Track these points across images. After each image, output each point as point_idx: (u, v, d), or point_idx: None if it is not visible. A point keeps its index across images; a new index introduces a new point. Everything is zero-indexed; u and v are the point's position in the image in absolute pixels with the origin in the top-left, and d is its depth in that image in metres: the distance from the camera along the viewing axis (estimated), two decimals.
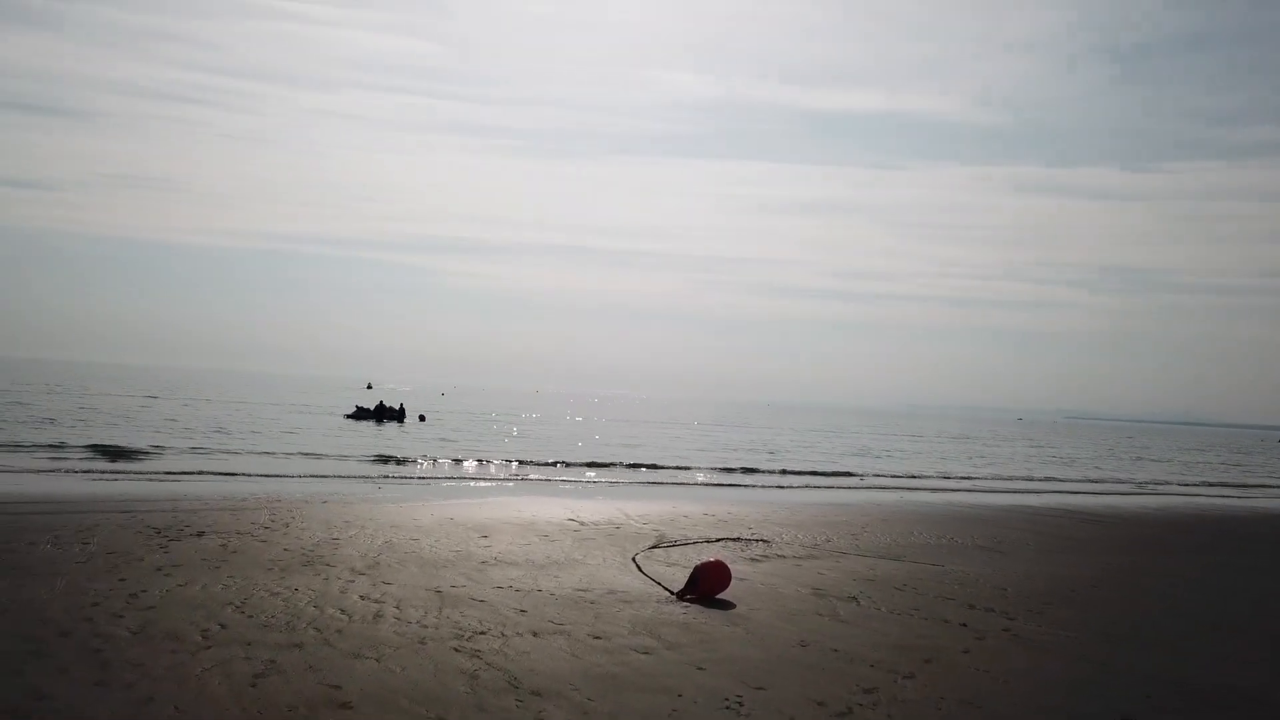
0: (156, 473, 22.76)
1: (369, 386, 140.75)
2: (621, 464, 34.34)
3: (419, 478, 25.70)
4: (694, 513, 19.79)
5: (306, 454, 29.81)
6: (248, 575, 10.98)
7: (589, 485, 26.36)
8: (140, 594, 9.78)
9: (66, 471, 21.81)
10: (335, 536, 14.21)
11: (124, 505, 16.47)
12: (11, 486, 18.58)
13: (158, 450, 27.88)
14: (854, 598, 11.66)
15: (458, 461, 31.34)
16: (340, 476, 24.55)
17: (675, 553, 14.56)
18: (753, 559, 14.41)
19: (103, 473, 22.16)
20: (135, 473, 22.66)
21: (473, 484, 24.89)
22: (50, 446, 26.75)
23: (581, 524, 17.16)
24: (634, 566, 13.10)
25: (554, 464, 32.70)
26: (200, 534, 13.74)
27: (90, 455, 25.92)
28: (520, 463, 32.23)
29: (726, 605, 10.82)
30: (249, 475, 23.26)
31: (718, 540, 15.99)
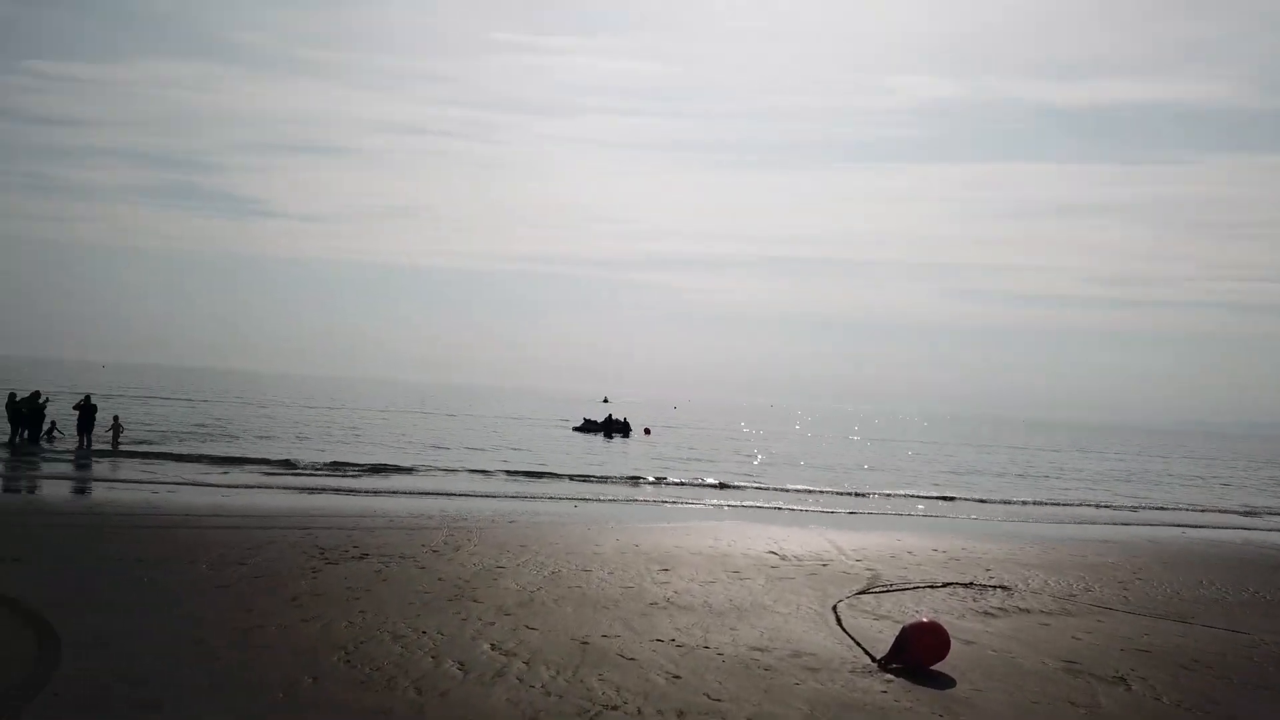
0: (359, 490, 22.80)
1: (605, 400, 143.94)
2: (843, 489, 31.58)
3: (620, 498, 24.36)
4: (920, 548, 17.05)
5: (514, 471, 29.18)
6: (382, 611, 9.78)
7: (802, 511, 23.97)
8: (255, 629, 8.77)
9: (281, 488, 22.23)
10: (501, 564, 12.93)
11: (308, 521, 16.13)
12: (214, 499, 18.93)
13: (370, 465, 28.26)
14: (1122, 678, 8.80)
15: (663, 482, 29.76)
16: (537, 497, 23.67)
17: (889, 600, 12.11)
18: (986, 612, 11.68)
19: (308, 489, 22.43)
20: (336, 489, 22.83)
21: (674, 505, 23.25)
22: (273, 461, 27.77)
23: (782, 558, 15.00)
24: (833, 618, 10.83)
25: (769, 486, 30.47)
26: (362, 556, 12.89)
27: (306, 469, 26.64)
28: (730, 486, 30.25)
29: (943, 681, 8.37)
30: (446, 494, 22.82)
31: (944, 585, 13.31)
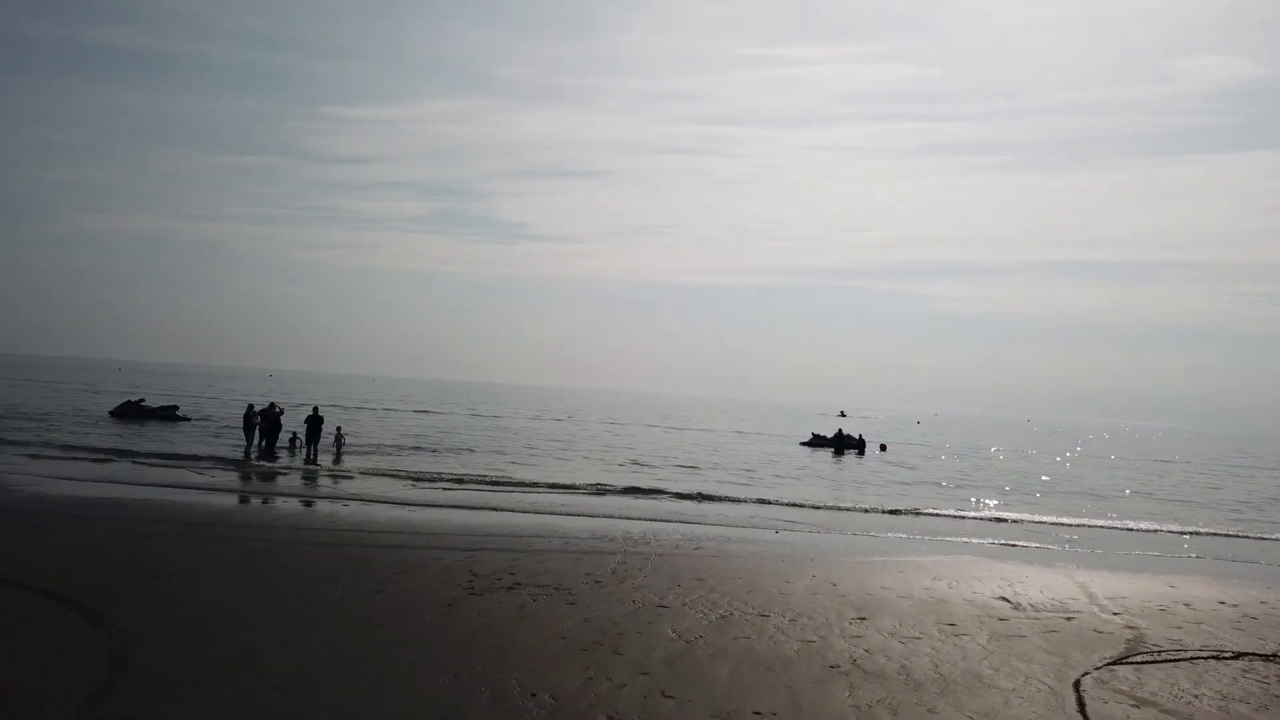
0: (545, 508, 21.83)
1: (841, 414, 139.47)
2: (1103, 520, 27.27)
3: (830, 527, 21.87)
4: (1202, 599, 13.62)
5: (717, 496, 26.62)
6: (499, 662, 8.34)
7: (1049, 547, 20.46)
8: (340, 685, 7.53)
9: (473, 505, 21.74)
10: (665, 603, 11.22)
11: (480, 541, 15.20)
12: (397, 514, 18.51)
13: (565, 484, 27.25)
14: None
15: (884, 509, 26.77)
16: (734, 522, 21.72)
17: (1155, 676, 9.23)
18: None
19: (492, 506, 21.74)
20: (524, 508, 22.00)
21: (893, 536, 20.47)
22: (473, 477, 27.61)
23: (1015, 607, 12.27)
24: (1073, 699, 8.23)
25: (1012, 516, 26.77)
26: (513, 587, 11.61)
27: (502, 485, 26.17)
28: (964, 514, 26.84)
29: None
30: (634, 517, 21.36)
31: (1235, 657, 10.15)
